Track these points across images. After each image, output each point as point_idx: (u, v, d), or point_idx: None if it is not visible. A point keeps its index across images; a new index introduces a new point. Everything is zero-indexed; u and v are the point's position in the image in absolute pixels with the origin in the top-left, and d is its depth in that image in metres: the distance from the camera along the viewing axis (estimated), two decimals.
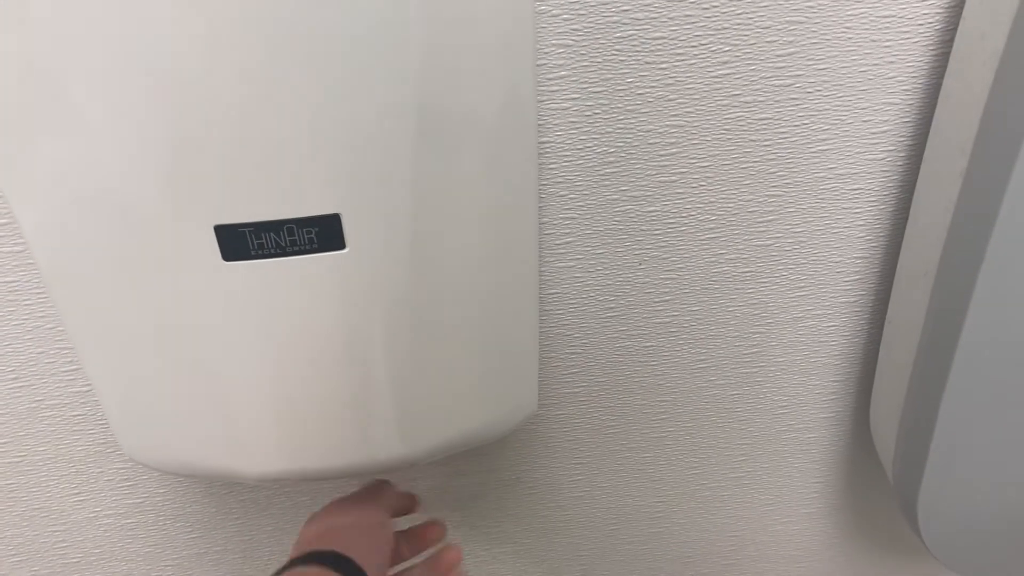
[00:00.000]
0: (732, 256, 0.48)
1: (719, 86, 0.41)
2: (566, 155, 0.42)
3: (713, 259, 0.48)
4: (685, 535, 0.63)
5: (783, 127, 0.43)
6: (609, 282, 0.48)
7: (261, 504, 0.55)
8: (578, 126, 0.41)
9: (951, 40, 0.40)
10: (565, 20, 0.38)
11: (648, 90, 0.41)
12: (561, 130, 0.41)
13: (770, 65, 0.41)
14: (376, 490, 0.45)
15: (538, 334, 0.45)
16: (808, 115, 0.43)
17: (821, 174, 0.45)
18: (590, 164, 0.43)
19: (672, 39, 0.39)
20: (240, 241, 0.32)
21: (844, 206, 0.47)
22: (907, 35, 0.41)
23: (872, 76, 0.42)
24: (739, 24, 0.39)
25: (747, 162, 0.44)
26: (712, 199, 0.45)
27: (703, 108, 0.42)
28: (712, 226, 0.46)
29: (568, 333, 0.50)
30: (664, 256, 0.47)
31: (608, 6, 0.38)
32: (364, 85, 0.31)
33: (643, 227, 0.46)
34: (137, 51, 0.29)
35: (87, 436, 0.49)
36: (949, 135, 0.40)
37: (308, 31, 0.29)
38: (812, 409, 0.56)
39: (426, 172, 0.33)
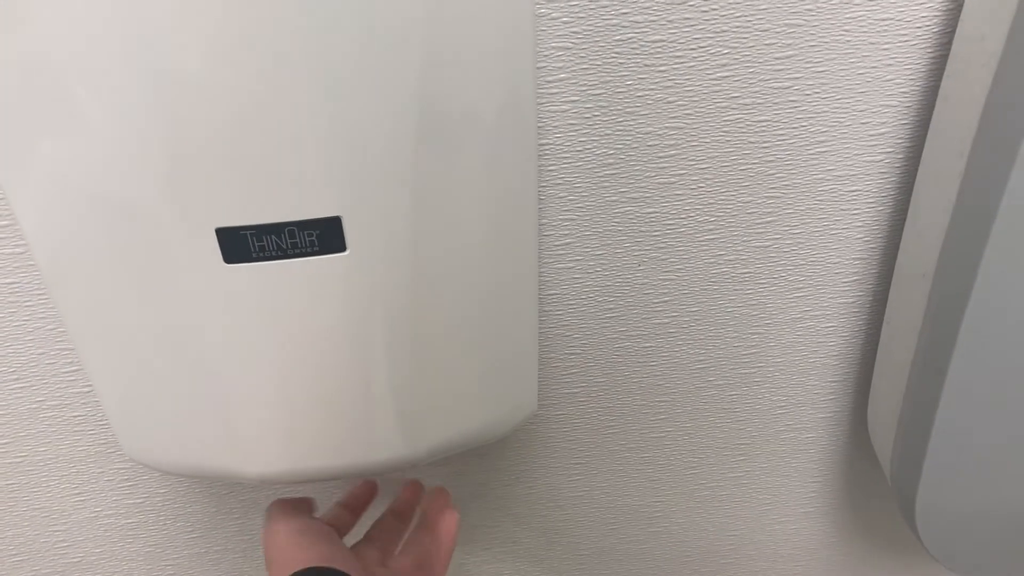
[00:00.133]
0: (731, 257, 0.48)
1: (718, 88, 0.41)
2: (566, 157, 0.42)
3: (712, 260, 0.48)
4: (683, 534, 0.63)
5: (782, 129, 0.43)
6: (608, 283, 0.48)
7: (262, 504, 0.55)
8: (578, 128, 0.42)
9: (949, 43, 0.40)
10: (565, 23, 0.38)
11: (647, 92, 0.41)
12: (561, 132, 0.42)
13: (769, 67, 0.41)
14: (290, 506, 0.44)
15: (538, 335, 0.45)
16: (807, 117, 0.43)
17: (819, 176, 0.45)
18: (589, 166, 0.43)
19: (671, 42, 0.39)
20: (241, 243, 0.32)
21: (842, 207, 0.47)
22: (905, 38, 0.41)
23: (870, 78, 0.42)
24: (738, 27, 0.39)
25: (746, 164, 0.44)
26: (711, 201, 0.45)
27: (702, 110, 0.42)
28: (711, 227, 0.46)
29: (567, 334, 0.50)
30: (663, 257, 0.47)
31: (607, 9, 0.38)
32: (365, 88, 0.31)
33: (642, 228, 0.46)
34: (139, 52, 0.29)
35: (88, 436, 0.49)
36: (947, 137, 0.41)
37: (309, 33, 0.29)
38: (810, 409, 0.56)
39: (426, 174, 0.33)
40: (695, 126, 0.42)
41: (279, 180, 0.31)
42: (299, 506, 0.44)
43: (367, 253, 0.34)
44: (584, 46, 0.39)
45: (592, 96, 0.41)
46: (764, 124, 0.43)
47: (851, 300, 0.51)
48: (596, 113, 0.41)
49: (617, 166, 0.43)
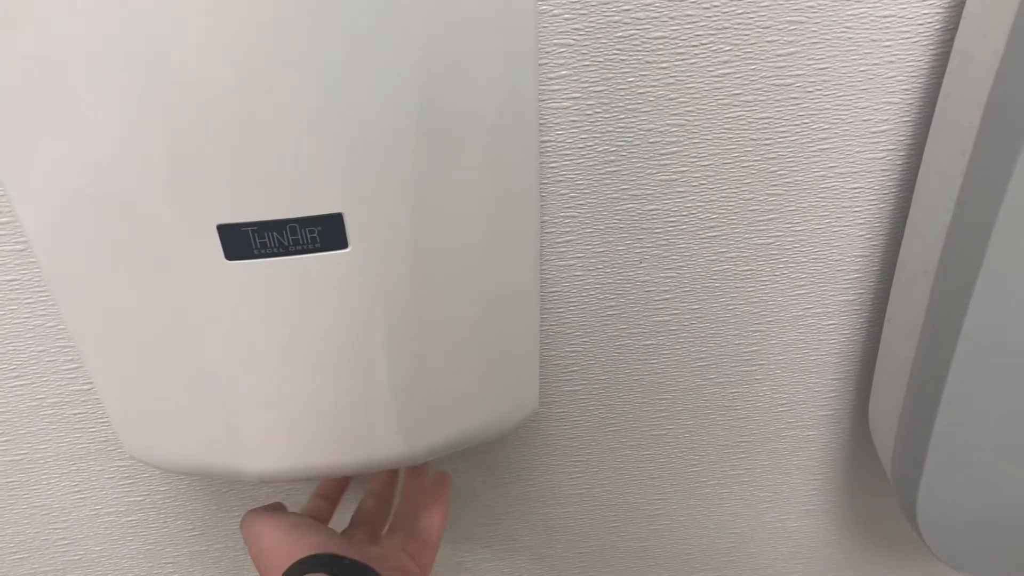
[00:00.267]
0: (732, 254, 0.48)
1: (720, 85, 0.41)
2: (567, 154, 0.42)
3: (713, 257, 0.48)
4: (684, 532, 0.63)
5: (783, 126, 0.43)
6: (610, 280, 0.48)
7: (262, 502, 0.55)
8: (579, 125, 0.41)
9: (951, 40, 0.40)
10: (566, 20, 0.38)
11: (649, 89, 0.41)
12: (562, 129, 0.41)
13: (770, 64, 0.41)
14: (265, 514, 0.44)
15: (539, 332, 0.45)
16: (808, 114, 0.43)
17: (821, 173, 0.45)
18: (591, 163, 0.43)
19: (673, 39, 0.39)
20: (243, 240, 0.32)
21: (844, 205, 0.47)
22: (907, 35, 0.41)
23: (872, 75, 0.42)
24: (740, 24, 0.39)
25: (747, 161, 0.44)
26: (713, 198, 0.45)
27: (704, 107, 0.42)
28: (712, 224, 0.46)
29: (569, 331, 0.50)
30: (664, 254, 0.47)
31: (609, 6, 0.38)
32: (366, 84, 0.31)
33: (644, 225, 0.46)
34: (139, 50, 0.29)
35: (88, 434, 0.49)
36: (949, 134, 0.41)
37: (310, 30, 0.29)
38: (811, 407, 0.56)
39: (428, 171, 0.33)
40: (697, 123, 0.42)
41: (281, 177, 0.31)
42: (272, 509, 0.44)
43: (369, 250, 0.34)
44: (586, 43, 0.39)
45: (594, 93, 0.41)
46: (766, 121, 0.43)
47: (852, 297, 0.51)
48: (598, 110, 0.41)
49: (619, 163, 0.43)
